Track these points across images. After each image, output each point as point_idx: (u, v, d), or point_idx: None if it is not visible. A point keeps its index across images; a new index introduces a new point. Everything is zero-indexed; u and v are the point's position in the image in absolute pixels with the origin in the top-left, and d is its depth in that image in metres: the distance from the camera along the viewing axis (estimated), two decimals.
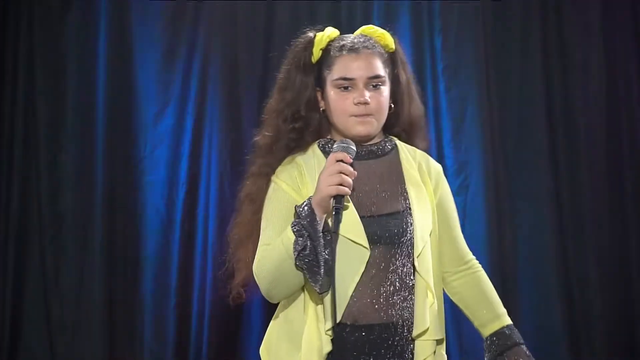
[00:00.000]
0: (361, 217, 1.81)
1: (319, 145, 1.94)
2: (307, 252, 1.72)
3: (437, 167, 2.02)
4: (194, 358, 3.51)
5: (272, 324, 1.94)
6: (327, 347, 1.77)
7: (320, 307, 1.80)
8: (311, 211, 1.74)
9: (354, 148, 1.81)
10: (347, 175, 1.74)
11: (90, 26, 3.58)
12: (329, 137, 1.96)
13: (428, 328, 1.84)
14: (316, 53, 1.92)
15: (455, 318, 3.58)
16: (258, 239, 1.88)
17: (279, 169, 1.90)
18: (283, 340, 1.87)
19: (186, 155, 3.59)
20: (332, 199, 1.73)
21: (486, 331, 1.98)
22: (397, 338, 1.83)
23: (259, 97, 3.58)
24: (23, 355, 3.48)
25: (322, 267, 1.72)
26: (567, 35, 3.70)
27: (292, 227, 1.74)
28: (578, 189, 3.67)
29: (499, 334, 1.96)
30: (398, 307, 1.83)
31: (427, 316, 1.84)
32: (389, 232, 1.83)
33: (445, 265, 1.99)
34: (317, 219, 1.73)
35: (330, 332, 1.78)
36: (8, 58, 3.56)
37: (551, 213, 3.64)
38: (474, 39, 3.68)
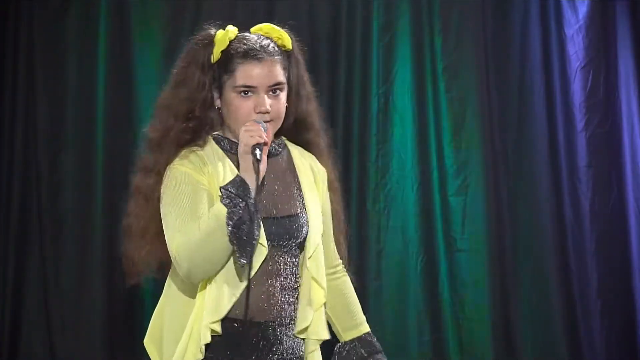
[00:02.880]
0: (263, 219, 1.80)
1: (215, 141, 1.92)
2: (243, 219, 1.71)
3: (322, 169, 2.03)
4: None
5: (159, 316, 1.93)
6: (206, 339, 1.78)
7: (207, 296, 1.79)
8: (240, 179, 1.75)
9: (264, 123, 1.83)
10: (260, 130, 1.77)
11: (90, 26, 3.58)
12: (220, 133, 1.93)
13: (309, 326, 1.87)
14: (216, 54, 1.89)
15: (455, 318, 3.58)
16: (153, 234, 1.87)
17: (176, 159, 1.86)
18: (171, 337, 1.86)
19: None
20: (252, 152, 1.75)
21: (347, 336, 2.01)
22: (277, 334, 1.85)
23: None
24: (23, 355, 3.48)
25: (256, 236, 1.74)
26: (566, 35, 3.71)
27: (222, 201, 1.73)
28: (578, 189, 3.67)
29: (361, 339, 1.99)
30: (285, 304, 1.86)
31: (310, 315, 1.87)
32: (288, 234, 1.86)
33: None
34: (247, 185, 1.74)
35: (215, 326, 1.78)
36: (8, 58, 3.56)
37: (551, 213, 3.65)
38: (474, 39, 3.68)
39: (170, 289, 1.92)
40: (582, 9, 3.74)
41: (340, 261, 2.07)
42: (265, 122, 1.84)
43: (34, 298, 3.50)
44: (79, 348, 3.47)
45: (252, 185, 1.75)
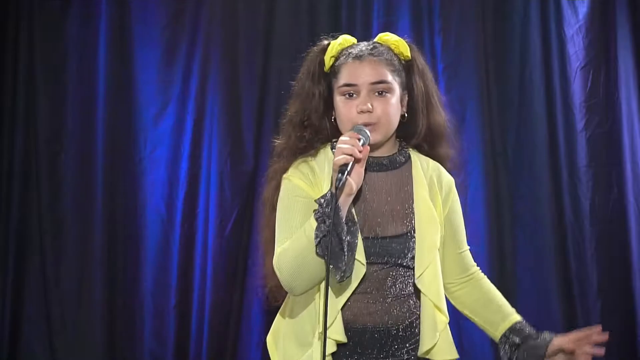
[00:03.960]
0: (364, 238, 1.81)
1: (331, 147, 1.93)
2: (329, 238, 1.70)
3: (448, 181, 2.01)
4: (194, 358, 3.52)
5: (281, 317, 1.96)
6: (332, 349, 1.79)
7: (319, 307, 1.81)
8: (332, 197, 1.73)
9: (368, 133, 1.80)
10: (353, 146, 1.73)
11: (90, 26, 3.58)
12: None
13: (435, 344, 1.86)
14: (327, 62, 1.92)
15: (455, 318, 3.57)
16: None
17: (290, 169, 1.90)
18: (291, 338, 1.88)
19: (186, 155, 3.59)
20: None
21: (499, 331, 1.99)
22: (390, 340, 1.85)
23: (259, 97, 3.59)
24: (23, 355, 3.48)
25: (346, 253, 1.72)
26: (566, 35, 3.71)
27: (314, 214, 1.74)
28: (578, 189, 3.67)
29: (512, 330, 1.98)
30: (394, 314, 1.86)
31: (436, 334, 1.86)
32: (390, 254, 1.85)
33: (448, 277, 2.00)
34: (340, 204, 1.72)
35: (336, 335, 1.79)
36: (8, 58, 3.56)
37: (551, 213, 3.65)
38: (474, 39, 3.68)
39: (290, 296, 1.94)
40: (582, 9, 3.73)
41: (477, 267, 2.05)
42: (369, 124, 1.82)
43: (34, 298, 3.50)
44: (79, 348, 3.47)
45: (344, 202, 1.73)
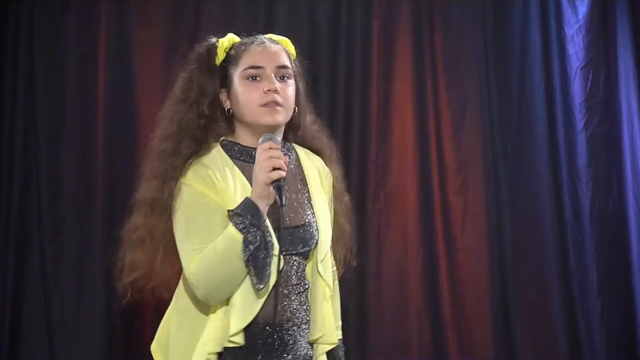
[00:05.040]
0: (275, 229, 1.81)
1: (223, 148, 1.92)
2: (260, 247, 1.72)
3: (328, 171, 2.05)
4: None
5: (168, 326, 1.95)
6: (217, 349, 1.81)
7: (227, 308, 1.81)
8: (254, 206, 1.74)
9: (279, 139, 1.84)
10: (278, 158, 1.75)
11: (90, 26, 3.57)
12: (230, 139, 1.94)
13: (324, 334, 1.90)
14: (220, 55, 1.93)
15: (455, 318, 3.58)
16: (155, 244, 1.89)
17: (188, 173, 1.86)
18: (181, 349, 1.87)
19: None
20: (272, 185, 1.74)
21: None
22: (291, 333, 1.87)
23: None
24: (23, 355, 3.48)
25: (269, 263, 1.75)
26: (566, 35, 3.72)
27: (236, 226, 1.73)
28: (578, 189, 3.67)
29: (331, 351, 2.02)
30: (298, 306, 1.89)
31: (325, 325, 1.90)
32: (302, 243, 1.88)
33: None
34: (262, 213, 1.74)
35: (236, 338, 1.80)
36: (8, 59, 3.56)
37: (551, 213, 3.65)
38: (474, 38, 3.68)
39: (179, 299, 1.93)
40: (582, 9, 3.74)
41: (335, 268, 2.08)
42: (275, 104, 1.83)
43: (34, 298, 3.50)
44: (79, 348, 3.47)
45: (265, 212, 1.75)
